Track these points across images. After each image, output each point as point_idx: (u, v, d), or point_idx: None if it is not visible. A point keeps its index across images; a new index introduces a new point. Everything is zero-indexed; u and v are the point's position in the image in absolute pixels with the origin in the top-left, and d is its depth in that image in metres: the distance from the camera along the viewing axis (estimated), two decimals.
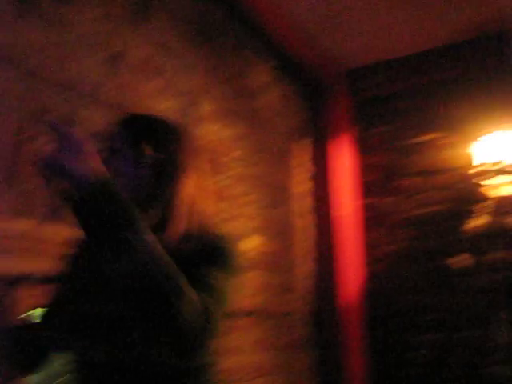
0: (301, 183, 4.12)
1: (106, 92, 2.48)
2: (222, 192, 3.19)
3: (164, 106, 2.83)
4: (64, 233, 2.18)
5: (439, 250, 4.07)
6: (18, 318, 1.82)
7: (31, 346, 1.63)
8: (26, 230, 2.08)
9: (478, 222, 3.93)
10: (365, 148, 4.47)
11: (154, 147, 1.49)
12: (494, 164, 3.87)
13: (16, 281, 2.04)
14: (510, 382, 3.68)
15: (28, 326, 1.67)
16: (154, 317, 1.21)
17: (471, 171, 4.01)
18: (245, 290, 3.16)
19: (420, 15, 3.82)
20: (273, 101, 3.86)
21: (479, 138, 3.99)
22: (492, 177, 3.88)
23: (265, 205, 3.61)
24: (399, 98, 4.42)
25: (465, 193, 4.03)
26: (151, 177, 1.47)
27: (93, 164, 1.19)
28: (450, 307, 3.98)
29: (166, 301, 1.19)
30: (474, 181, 3.97)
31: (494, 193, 3.89)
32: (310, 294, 4.01)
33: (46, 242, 2.14)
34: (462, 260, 3.96)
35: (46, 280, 2.15)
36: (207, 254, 1.40)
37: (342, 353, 3.94)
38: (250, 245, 3.39)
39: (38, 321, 1.67)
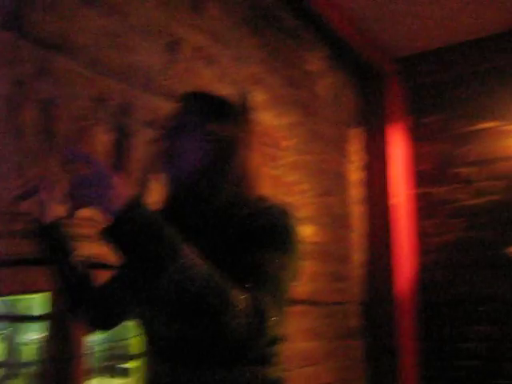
0: (354, 172, 4.09)
1: (163, 80, 2.51)
2: (275, 180, 3.20)
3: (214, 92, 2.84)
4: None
5: (494, 240, 4.00)
6: None
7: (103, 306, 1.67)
8: (87, 216, 2.12)
9: None
10: (418, 136, 4.41)
11: (221, 124, 1.50)
12: None
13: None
14: None
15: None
16: (203, 332, 1.22)
17: None
18: (301, 277, 3.17)
19: (475, 1, 3.74)
20: (327, 89, 3.85)
21: None
22: None
23: (318, 193, 3.60)
24: (454, 86, 4.34)
25: None
26: (215, 152, 1.48)
27: (122, 193, 1.15)
28: (505, 298, 3.91)
29: (211, 319, 1.18)
30: None
31: None
32: (362, 284, 4.00)
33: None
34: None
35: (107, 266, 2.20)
36: (266, 233, 1.37)
37: (395, 342, 3.91)
38: (303, 234, 3.38)
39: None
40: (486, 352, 3.94)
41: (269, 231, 1.38)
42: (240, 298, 1.20)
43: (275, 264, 1.32)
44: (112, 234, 1.14)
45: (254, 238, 1.36)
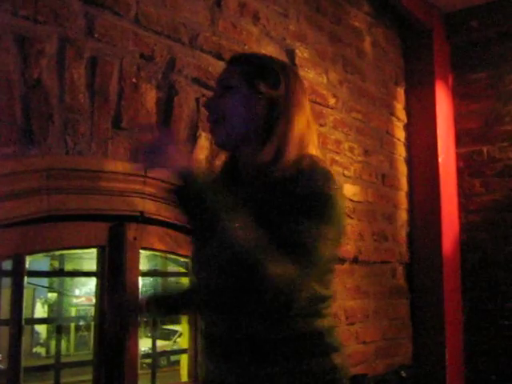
0: (400, 130, 4.04)
1: (210, 37, 2.49)
2: (322, 138, 3.18)
3: (268, 50, 2.81)
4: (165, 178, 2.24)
5: None
6: None
7: None
8: (132, 173, 2.14)
9: None
10: (465, 94, 4.32)
11: (268, 85, 1.52)
12: None
13: (125, 219, 2.12)
14: None
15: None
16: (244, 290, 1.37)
17: None
18: (347, 236, 3.18)
19: None
20: (373, 46, 3.78)
21: None
22: None
23: (364, 151, 3.57)
24: (502, 42, 4.22)
25: None
26: (266, 112, 1.50)
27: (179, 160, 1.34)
28: None
29: (250, 279, 1.32)
30: None
31: None
32: (406, 243, 3.97)
33: (151, 185, 2.20)
34: None
35: (153, 221, 2.23)
36: (306, 202, 1.39)
37: (441, 301, 3.89)
38: (347, 194, 3.37)
39: None
40: None
41: (309, 199, 1.39)
42: (279, 264, 1.31)
43: (314, 233, 1.36)
44: (177, 196, 1.36)
45: (295, 206, 1.38)
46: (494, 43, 4.24)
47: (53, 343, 15.93)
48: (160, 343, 9.05)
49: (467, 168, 4.25)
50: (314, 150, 1.54)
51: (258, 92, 1.51)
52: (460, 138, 4.29)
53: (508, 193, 4.08)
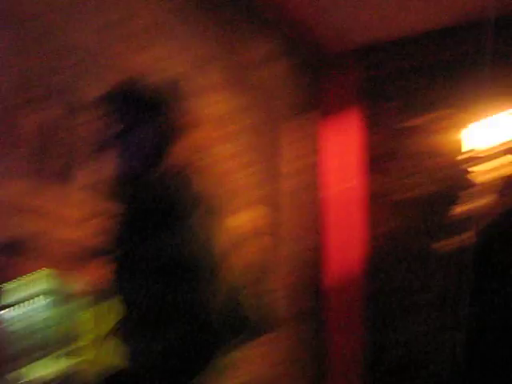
0: (304, 157, 4.11)
1: (111, 57, 2.48)
2: (227, 161, 3.19)
3: (170, 73, 2.81)
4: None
5: (422, 231, 4.07)
6: None
7: None
8: (25, 192, 2.10)
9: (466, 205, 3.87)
10: (366, 126, 4.42)
11: (168, 123, 1.64)
12: (485, 150, 3.75)
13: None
14: None
15: None
16: None
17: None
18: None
19: None
20: (279, 73, 3.83)
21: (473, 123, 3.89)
22: (482, 163, 3.76)
23: (269, 176, 3.60)
24: (407, 76, 4.35)
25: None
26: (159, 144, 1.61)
27: None
28: (442, 287, 3.97)
29: None
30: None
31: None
32: (310, 267, 4.01)
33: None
34: (449, 242, 3.90)
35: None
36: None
37: (339, 326, 3.96)
38: (252, 215, 3.39)
39: None
40: (426, 340, 3.98)
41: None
42: None
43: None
44: None
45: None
46: (401, 77, 4.38)
47: None
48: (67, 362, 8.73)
49: (376, 195, 4.32)
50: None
51: (160, 132, 1.60)
52: (365, 168, 4.39)
53: (415, 222, 4.17)
